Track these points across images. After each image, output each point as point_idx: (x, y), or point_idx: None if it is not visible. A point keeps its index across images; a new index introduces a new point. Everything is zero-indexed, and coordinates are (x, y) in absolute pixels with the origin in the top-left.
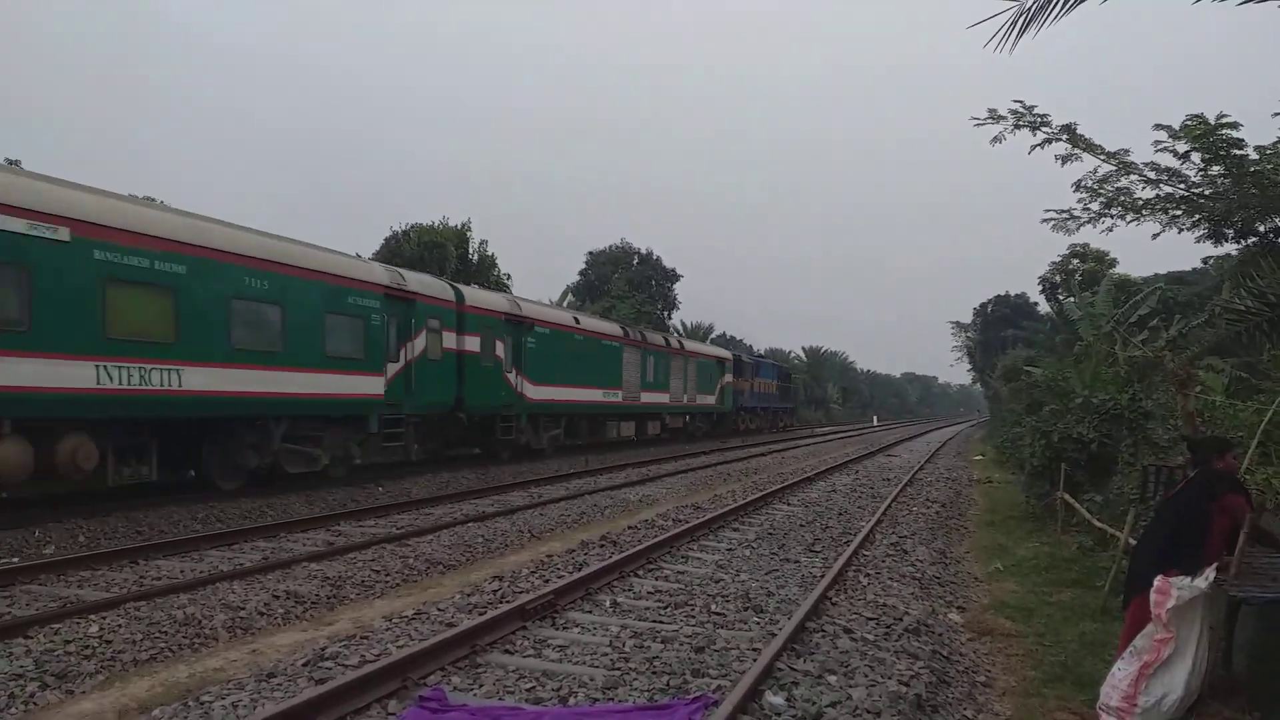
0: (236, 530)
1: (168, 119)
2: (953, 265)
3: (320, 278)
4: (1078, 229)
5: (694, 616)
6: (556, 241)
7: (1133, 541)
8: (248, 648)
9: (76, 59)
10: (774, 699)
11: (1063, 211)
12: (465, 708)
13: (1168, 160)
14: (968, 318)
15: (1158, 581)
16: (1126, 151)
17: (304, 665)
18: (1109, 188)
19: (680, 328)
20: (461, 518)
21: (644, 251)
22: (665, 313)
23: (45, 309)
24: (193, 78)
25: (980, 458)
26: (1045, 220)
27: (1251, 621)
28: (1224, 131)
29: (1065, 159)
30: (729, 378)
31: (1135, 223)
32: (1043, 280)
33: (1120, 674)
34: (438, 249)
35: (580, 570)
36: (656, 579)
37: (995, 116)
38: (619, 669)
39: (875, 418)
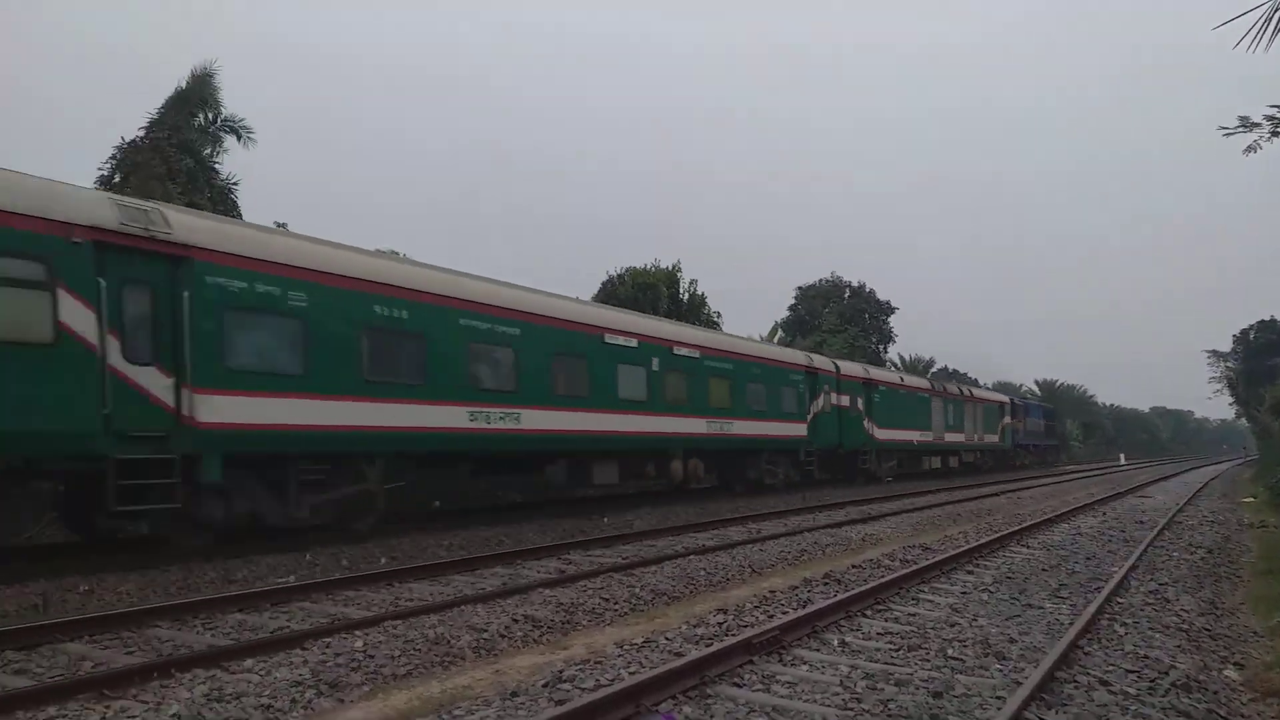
0: (477, 556)
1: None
2: (1202, 289)
3: (776, 364)
4: None
5: (929, 660)
6: (763, 275)
7: None
8: (491, 667)
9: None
10: None
11: None
12: None
13: None
14: (1226, 345)
15: None
16: None
17: (544, 686)
18: None
19: (898, 362)
20: (683, 550)
21: (855, 284)
22: (881, 347)
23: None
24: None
25: (1251, 500)
26: None
27: None
28: None
29: None
30: (1008, 419)
31: None
32: None
33: None
34: (650, 290)
35: (805, 607)
36: (886, 620)
37: (1248, 124)
38: (851, 709)
39: (1122, 456)
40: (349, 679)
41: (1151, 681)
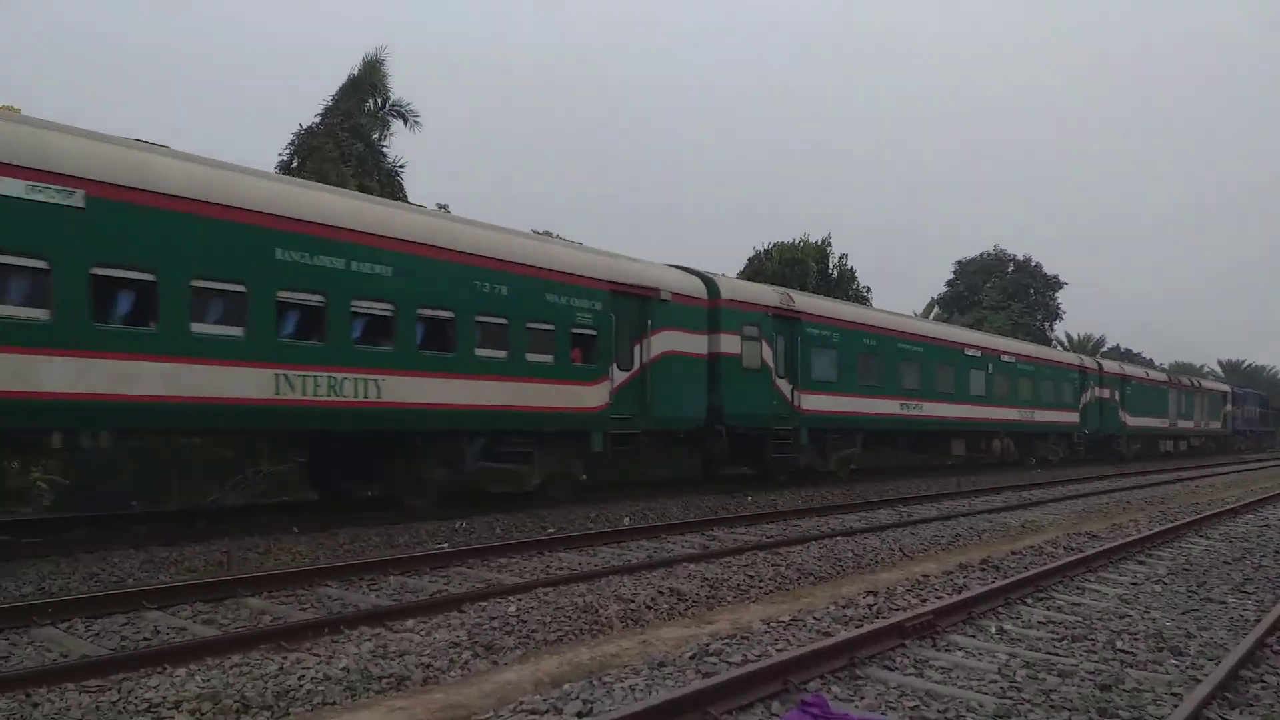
0: (622, 529)
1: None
2: None
3: (1058, 365)
4: None
5: (1095, 652)
6: (919, 248)
7: None
8: (638, 638)
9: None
10: None
11: None
12: (848, 718)
13: None
14: None
15: None
16: None
17: (690, 658)
18: None
19: (1065, 340)
20: (829, 531)
21: (1020, 258)
22: (1046, 324)
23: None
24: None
25: None
26: None
27: None
28: None
29: None
30: (1229, 407)
31: None
32: None
33: None
34: (798, 265)
35: (961, 593)
36: (1048, 609)
37: None
38: (1010, 698)
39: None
40: (503, 642)
41: None
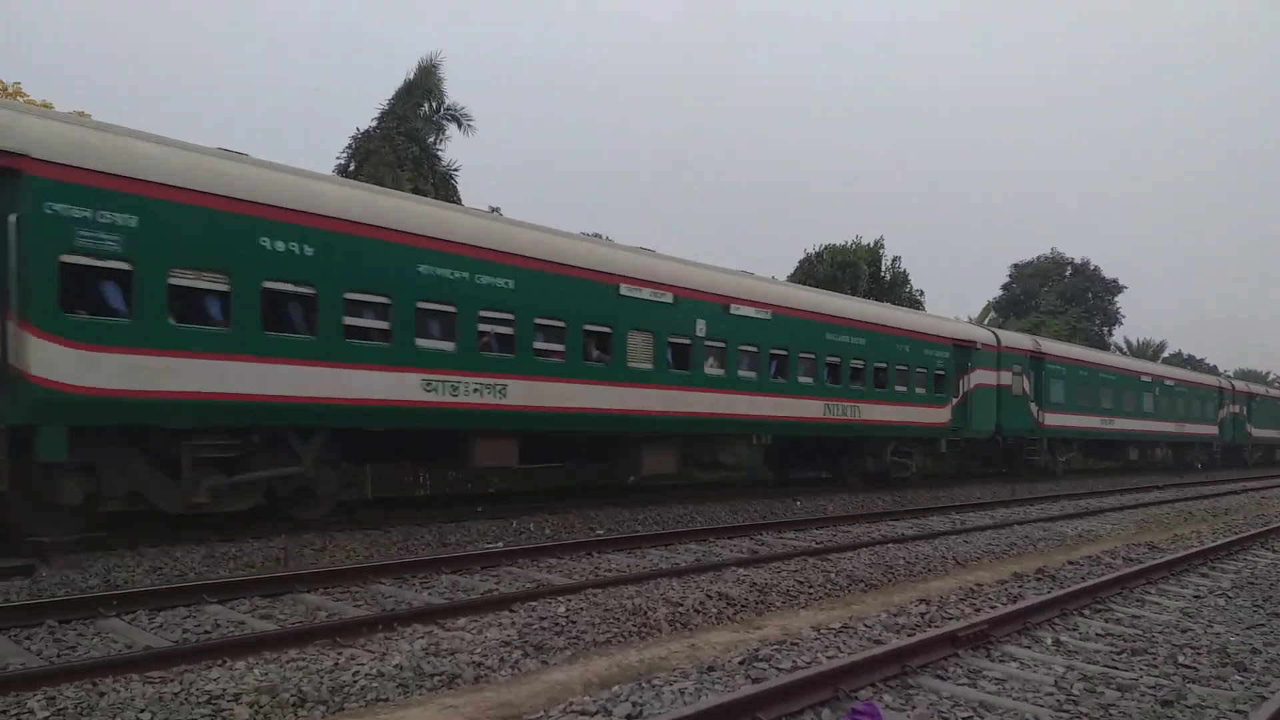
0: (671, 532)
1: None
2: None
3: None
4: None
5: (1156, 666)
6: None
7: None
8: (687, 641)
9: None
10: None
11: None
12: None
13: None
14: None
15: None
16: None
17: (739, 663)
18: None
19: (1124, 346)
20: (880, 538)
21: (1078, 261)
22: (1105, 329)
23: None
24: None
25: None
26: None
27: None
28: None
29: None
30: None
31: None
32: None
33: None
34: (850, 268)
35: (1015, 602)
36: (1107, 620)
37: None
38: (1067, 712)
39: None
40: (553, 642)
41: None
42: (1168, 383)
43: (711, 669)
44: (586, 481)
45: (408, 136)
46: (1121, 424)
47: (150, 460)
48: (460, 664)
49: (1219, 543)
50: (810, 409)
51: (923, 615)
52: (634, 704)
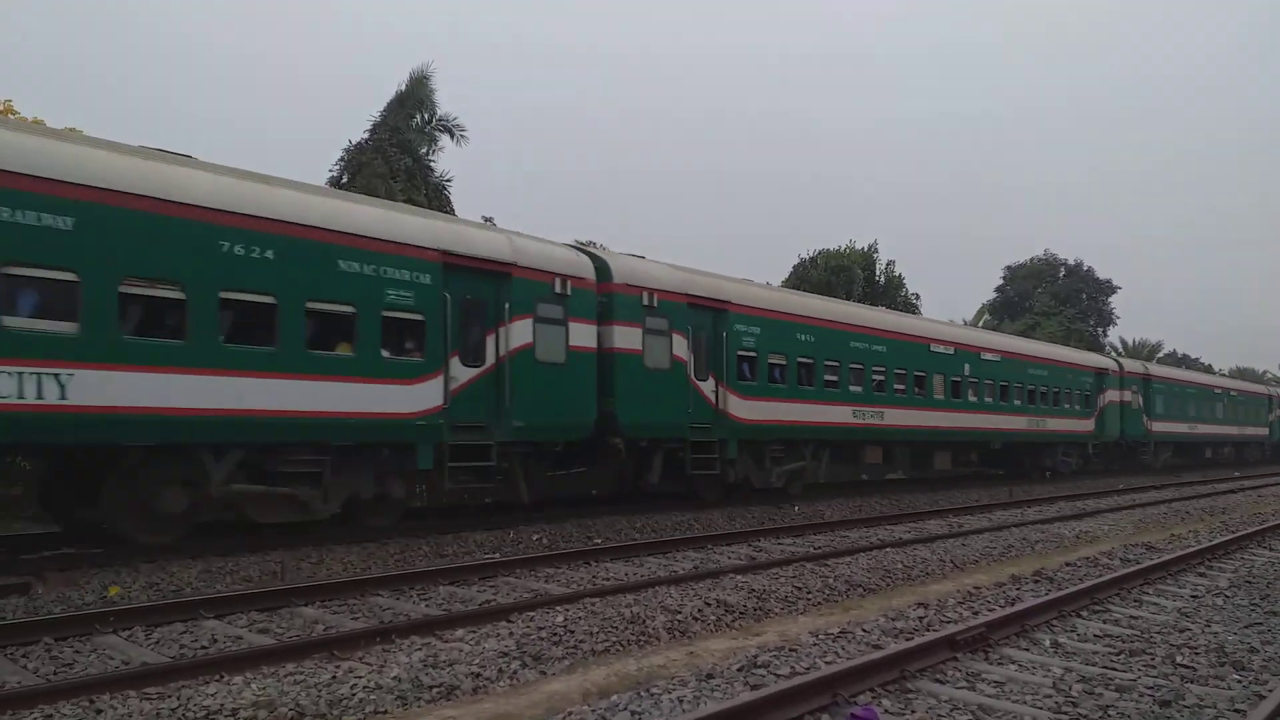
0: (668, 540)
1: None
2: None
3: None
4: None
5: (1154, 667)
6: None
7: None
8: (685, 649)
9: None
10: None
11: None
12: None
13: None
14: None
15: None
16: None
17: (738, 670)
18: None
19: (1119, 345)
20: (878, 542)
21: (1071, 262)
22: (1100, 329)
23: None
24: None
25: None
26: None
27: None
28: None
29: None
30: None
31: None
32: None
33: None
34: (844, 272)
35: (1013, 605)
36: (1105, 622)
37: None
38: (1066, 713)
39: None
40: (551, 652)
41: None
42: (1234, 394)
43: (710, 676)
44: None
45: (400, 148)
46: (1202, 429)
47: None
48: (458, 675)
49: (1216, 542)
50: (1019, 423)
51: (921, 619)
52: (633, 713)
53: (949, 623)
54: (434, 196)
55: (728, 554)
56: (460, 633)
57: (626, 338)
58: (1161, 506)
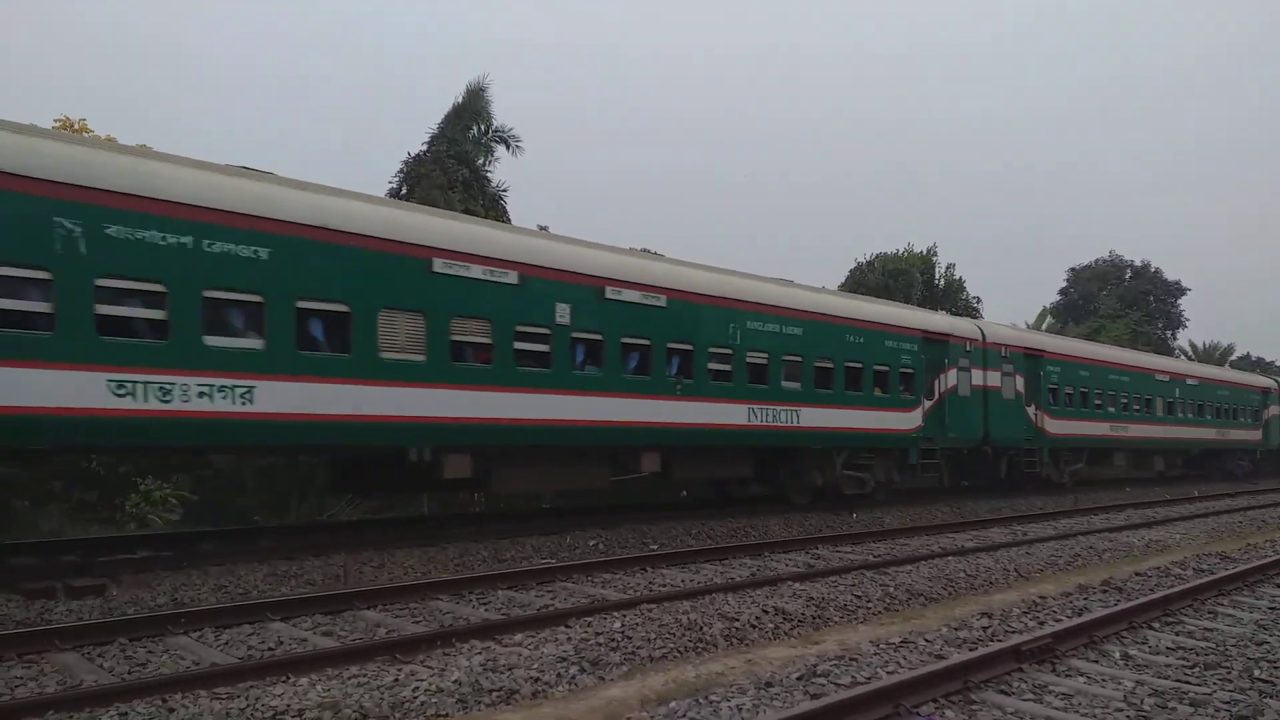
0: (724, 546)
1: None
2: None
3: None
4: None
5: (1230, 680)
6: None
7: None
8: (743, 657)
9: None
10: None
11: None
12: None
13: None
14: None
15: None
16: None
17: (798, 679)
18: None
19: (1189, 349)
20: (939, 551)
21: (1138, 264)
22: (1169, 332)
23: None
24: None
25: None
26: None
27: None
28: None
29: None
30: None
31: None
32: None
33: None
34: (903, 276)
35: (1081, 615)
36: (1177, 634)
37: None
38: None
39: None
40: (609, 658)
41: None
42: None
43: (769, 685)
44: None
45: (457, 159)
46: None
47: None
48: (518, 680)
49: None
50: (1210, 434)
51: (984, 629)
52: (691, 719)
53: (1014, 633)
54: (490, 206)
55: (785, 561)
56: (519, 637)
57: (995, 379)
58: (1237, 515)
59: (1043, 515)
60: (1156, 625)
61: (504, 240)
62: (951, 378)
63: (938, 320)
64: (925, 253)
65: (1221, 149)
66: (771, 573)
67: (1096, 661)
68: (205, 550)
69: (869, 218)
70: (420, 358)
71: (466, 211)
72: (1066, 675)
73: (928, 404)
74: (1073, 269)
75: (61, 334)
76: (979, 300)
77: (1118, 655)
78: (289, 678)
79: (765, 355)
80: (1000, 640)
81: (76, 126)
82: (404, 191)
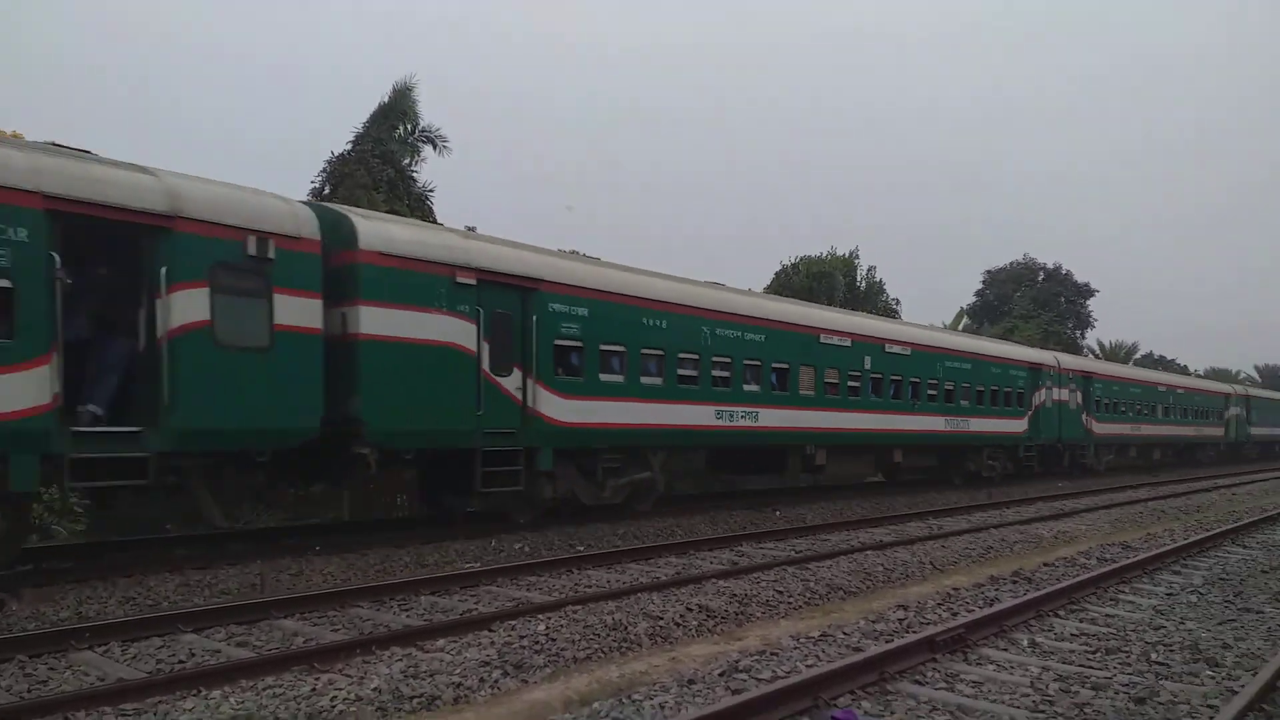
0: (651, 546)
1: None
2: None
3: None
4: None
5: (1129, 664)
6: (948, 260)
7: None
8: (667, 655)
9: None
10: None
11: None
12: None
13: None
14: None
15: None
16: None
17: (720, 675)
18: None
19: (1096, 348)
20: (859, 545)
21: (1050, 266)
22: (1078, 332)
23: None
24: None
25: None
26: None
27: None
28: None
29: None
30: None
31: None
32: None
33: None
34: (826, 278)
35: (992, 605)
36: (1081, 620)
37: None
38: (1043, 712)
39: None
40: (532, 661)
41: None
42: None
43: (692, 682)
44: None
45: (383, 159)
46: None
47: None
48: (439, 685)
49: (1191, 540)
50: (1189, 432)
51: (901, 621)
52: (614, 719)
53: (928, 624)
54: (416, 206)
55: (710, 559)
56: (441, 642)
57: (1064, 395)
58: (1139, 506)
59: (958, 509)
60: (1062, 613)
61: (841, 319)
62: (1041, 394)
63: (1033, 354)
64: (848, 255)
65: (1135, 161)
66: (697, 571)
67: (1006, 649)
68: (114, 561)
69: (789, 214)
70: (810, 393)
71: (391, 211)
72: (977, 664)
73: (1027, 413)
74: (988, 271)
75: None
76: (898, 302)
77: (1026, 643)
78: (200, 691)
79: (952, 384)
80: (915, 632)
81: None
82: (326, 191)
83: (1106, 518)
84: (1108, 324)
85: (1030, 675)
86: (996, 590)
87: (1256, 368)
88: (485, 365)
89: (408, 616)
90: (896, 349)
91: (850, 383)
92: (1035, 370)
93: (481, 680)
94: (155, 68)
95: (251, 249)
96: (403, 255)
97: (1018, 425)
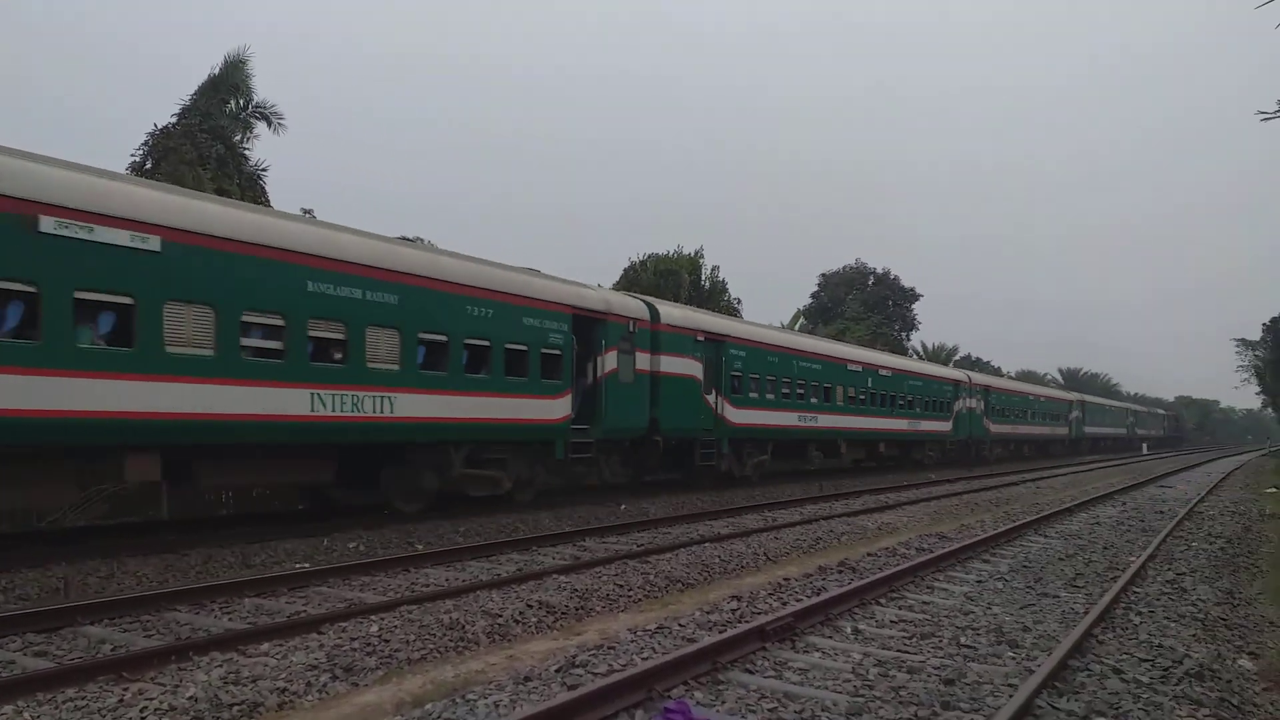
0: (493, 543)
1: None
2: (1235, 274)
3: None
4: None
5: (941, 648)
6: (785, 260)
7: None
8: (505, 653)
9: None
10: None
11: None
12: None
13: None
14: (1256, 334)
15: None
16: None
17: (556, 671)
18: None
19: (920, 350)
20: (698, 538)
21: (880, 271)
22: (903, 334)
23: None
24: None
25: (1274, 490)
26: None
27: None
28: None
29: None
30: (968, 402)
31: None
32: None
33: None
34: (672, 276)
35: (819, 595)
36: (900, 608)
37: None
38: (862, 696)
39: (1145, 446)
40: (364, 663)
41: (1165, 670)
42: (1091, 403)
43: (528, 679)
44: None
45: (211, 134)
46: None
47: None
48: (262, 691)
49: (999, 530)
50: (1062, 431)
51: (734, 611)
52: None
53: (760, 614)
54: (248, 186)
55: (553, 554)
56: (266, 646)
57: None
58: (955, 499)
59: (792, 502)
60: (883, 601)
61: (856, 352)
62: (960, 403)
63: (956, 373)
64: (694, 254)
65: (966, 175)
66: (538, 566)
67: (831, 637)
68: None
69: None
70: (841, 403)
71: (219, 191)
72: (805, 651)
73: (951, 417)
74: (823, 274)
75: None
76: (740, 301)
77: (849, 630)
78: None
79: (912, 396)
80: (747, 621)
81: None
82: (148, 166)
83: (926, 510)
84: (932, 328)
85: (852, 661)
86: (824, 580)
87: (1060, 370)
88: (702, 388)
89: (230, 620)
90: (885, 372)
91: (860, 395)
92: (956, 385)
93: (309, 684)
94: None
95: (631, 328)
96: (676, 325)
97: (946, 426)
